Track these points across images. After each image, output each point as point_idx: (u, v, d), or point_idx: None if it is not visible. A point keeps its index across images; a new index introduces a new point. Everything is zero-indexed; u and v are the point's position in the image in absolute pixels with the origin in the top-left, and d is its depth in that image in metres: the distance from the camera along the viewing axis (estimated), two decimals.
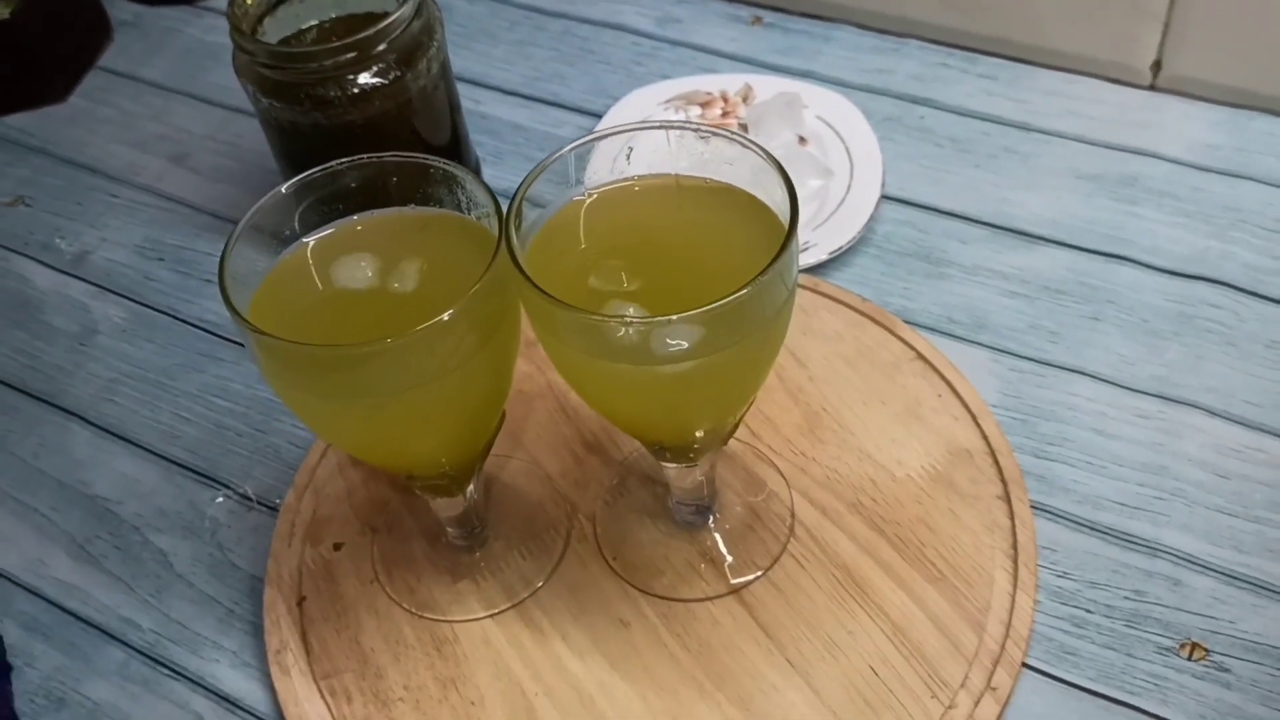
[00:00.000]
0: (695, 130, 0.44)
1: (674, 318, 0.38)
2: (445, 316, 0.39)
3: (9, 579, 0.57)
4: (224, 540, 0.57)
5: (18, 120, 0.82)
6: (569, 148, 0.44)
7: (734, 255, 0.44)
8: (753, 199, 0.44)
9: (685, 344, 0.39)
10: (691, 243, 0.44)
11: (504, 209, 0.42)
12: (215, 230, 0.72)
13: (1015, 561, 0.51)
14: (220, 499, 0.59)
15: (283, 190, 0.44)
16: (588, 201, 0.45)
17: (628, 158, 0.45)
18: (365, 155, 0.45)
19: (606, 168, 0.45)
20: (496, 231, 0.43)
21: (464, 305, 0.40)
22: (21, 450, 0.62)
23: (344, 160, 0.45)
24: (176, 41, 0.87)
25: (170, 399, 0.64)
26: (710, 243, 0.44)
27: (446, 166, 0.45)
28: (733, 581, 0.52)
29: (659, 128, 0.44)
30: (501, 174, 0.73)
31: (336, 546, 0.55)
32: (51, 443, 0.62)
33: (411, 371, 0.40)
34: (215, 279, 0.69)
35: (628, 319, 0.39)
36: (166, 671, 0.53)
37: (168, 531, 0.58)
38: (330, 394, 0.42)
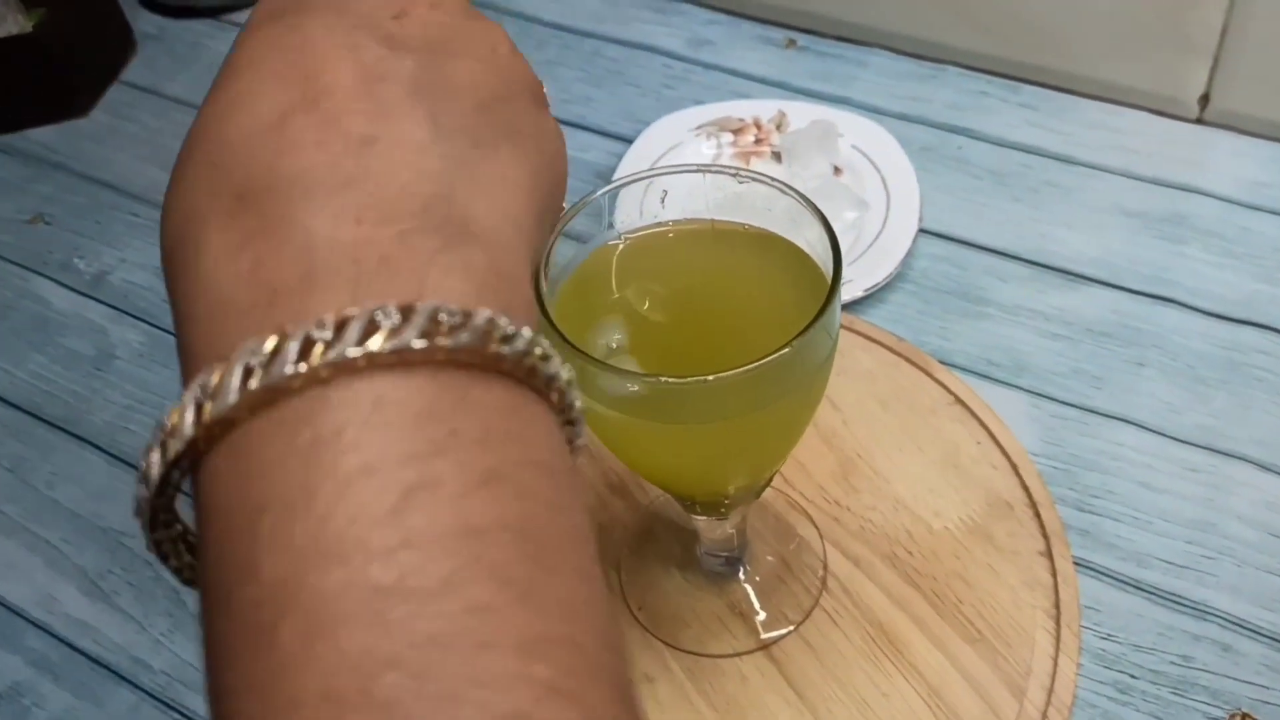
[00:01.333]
0: (734, 174, 0.42)
1: (710, 378, 0.36)
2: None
3: (19, 614, 0.56)
4: None
5: (39, 135, 0.81)
6: (601, 191, 0.42)
7: (773, 305, 0.42)
8: (791, 245, 0.42)
9: (722, 403, 0.37)
10: (729, 292, 0.43)
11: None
12: None
13: (1057, 622, 0.49)
14: None
15: None
16: (621, 246, 0.43)
17: (662, 201, 0.44)
18: None
19: (640, 210, 0.44)
20: None
21: None
22: (35, 479, 0.61)
23: None
24: (201, 56, 0.86)
25: None
26: (748, 292, 0.43)
27: None
28: (762, 636, 0.50)
29: (695, 171, 0.43)
30: None
31: None
32: (66, 472, 0.61)
33: None
34: None
35: (663, 378, 0.37)
36: (178, 716, 0.51)
37: None
38: None
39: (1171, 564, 0.52)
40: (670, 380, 0.36)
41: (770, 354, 0.36)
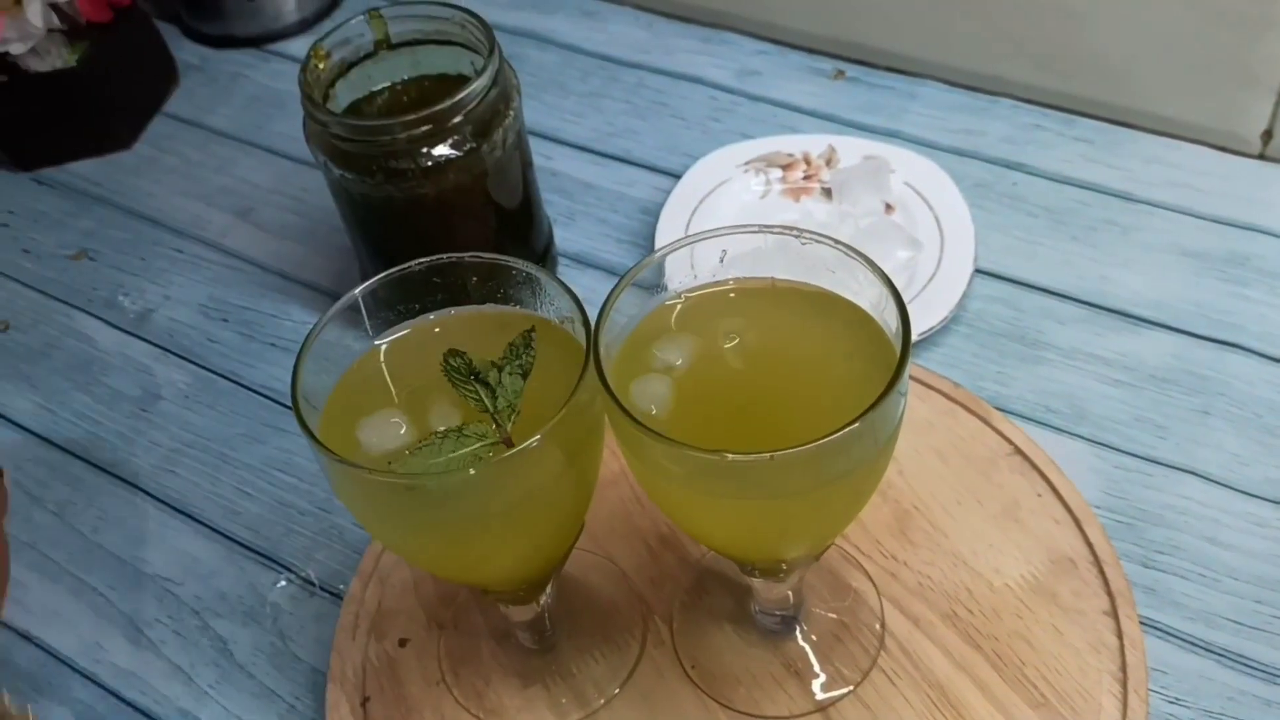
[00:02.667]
0: (797, 235, 0.41)
1: (774, 455, 0.35)
2: (534, 441, 0.37)
3: (66, 663, 0.55)
4: (285, 628, 0.55)
5: (83, 168, 0.81)
6: (660, 253, 0.41)
7: (837, 371, 0.41)
8: (854, 307, 0.41)
9: (787, 480, 0.36)
10: (792, 357, 0.42)
11: (589, 317, 0.40)
12: (280, 290, 0.71)
13: (1124, 686, 0.48)
14: (282, 583, 0.57)
15: (357, 293, 0.42)
16: (679, 307, 0.42)
17: (721, 260, 0.43)
18: (445, 255, 0.43)
19: (700, 270, 0.43)
20: (579, 338, 0.40)
21: (551, 429, 0.37)
22: (82, 524, 0.61)
23: (422, 260, 0.42)
24: (243, 87, 0.85)
25: (232, 471, 0.62)
26: (812, 356, 0.42)
27: (529, 269, 0.42)
28: (819, 697, 0.49)
29: (757, 232, 0.42)
30: (573, 236, 0.70)
31: (402, 642, 0.53)
32: (112, 516, 0.61)
33: (496, 497, 0.38)
34: (279, 343, 0.68)
35: (726, 455, 0.36)
36: None
37: (228, 616, 0.56)
38: (396, 517, 0.40)
39: (1241, 624, 0.50)
40: (734, 457, 0.35)
41: (838, 429, 0.35)
